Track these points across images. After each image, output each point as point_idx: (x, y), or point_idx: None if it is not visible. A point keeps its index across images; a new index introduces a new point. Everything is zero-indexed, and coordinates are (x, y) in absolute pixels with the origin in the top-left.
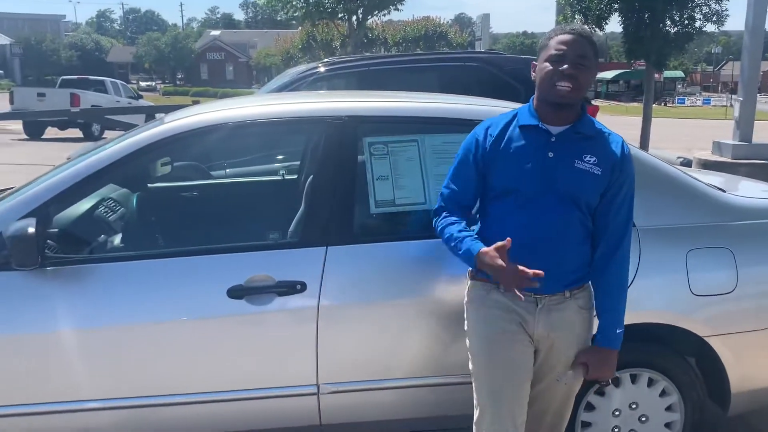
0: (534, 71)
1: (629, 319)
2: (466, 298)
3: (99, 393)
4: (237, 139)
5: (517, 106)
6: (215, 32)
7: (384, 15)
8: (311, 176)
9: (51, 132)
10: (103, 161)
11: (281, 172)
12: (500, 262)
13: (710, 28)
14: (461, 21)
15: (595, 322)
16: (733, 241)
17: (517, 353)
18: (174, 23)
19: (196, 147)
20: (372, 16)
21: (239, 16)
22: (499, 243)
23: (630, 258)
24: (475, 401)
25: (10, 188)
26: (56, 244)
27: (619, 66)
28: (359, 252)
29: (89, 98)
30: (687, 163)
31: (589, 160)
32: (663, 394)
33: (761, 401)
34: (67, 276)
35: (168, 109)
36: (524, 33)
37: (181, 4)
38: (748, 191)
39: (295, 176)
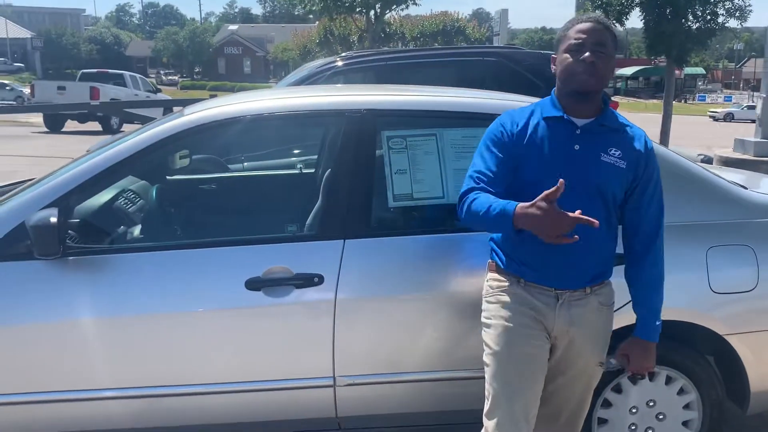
0: (554, 64)
1: None
2: (484, 290)
3: (117, 382)
4: (256, 131)
5: (536, 100)
6: (233, 27)
7: (402, 9)
8: (329, 169)
9: (71, 125)
10: (124, 153)
11: (299, 166)
12: (544, 204)
13: (733, 24)
14: (479, 16)
15: (623, 318)
16: (755, 238)
17: (533, 348)
18: (192, 17)
19: (215, 139)
20: (390, 11)
21: (257, 10)
22: (550, 190)
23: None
24: (486, 393)
25: (31, 179)
26: (77, 234)
27: (638, 62)
28: (377, 245)
29: (108, 91)
30: (707, 161)
31: (614, 154)
32: (681, 392)
33: None
34: (88, 266)
35: (185, 103)
36: (543, 29)
37: None
38: None
39: (313, 170)
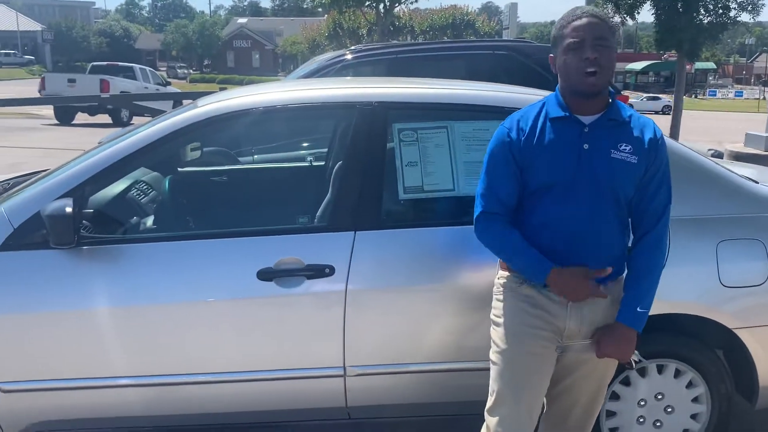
0: (554, 65)
1: (657, 308)
2: (495, 288)
3: (130, 370)
4: (267, 123)
5: (546, 93)
6: (242, 20)
7: (411, 3)
8: (340, 161)
9: (81, 117)
10: (137, 144)
11: (309, 158)
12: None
13: (745, 18)
14: (489, 10)
15: None
16: (766, 232)
17: (540, 348)
18: (201, 10)
19: (227, 131)
20: (399, 4)
21: (266, 3)
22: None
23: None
24: (490, 389)
25: (45, 170)
26: (91, 224)
27: (648, 57)
28: (387, 237)
29: (118, 84)
30: (718, 155)
31: (625, 149)
32: (690, 385)
33: None
34: (102, 255)
35: (195, 96)
36: (552, 23)
37: None
38: None
39: (323, 162)
